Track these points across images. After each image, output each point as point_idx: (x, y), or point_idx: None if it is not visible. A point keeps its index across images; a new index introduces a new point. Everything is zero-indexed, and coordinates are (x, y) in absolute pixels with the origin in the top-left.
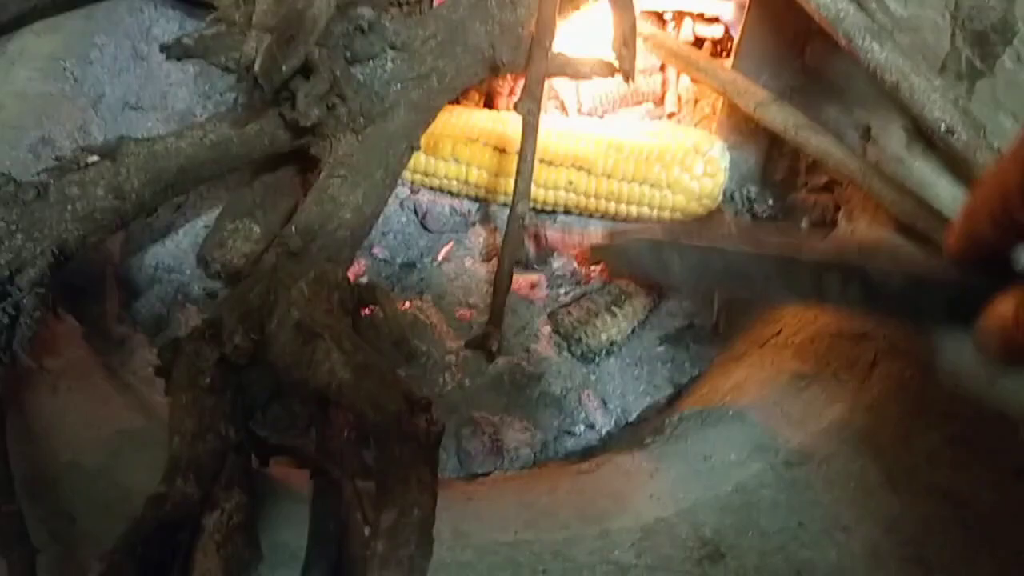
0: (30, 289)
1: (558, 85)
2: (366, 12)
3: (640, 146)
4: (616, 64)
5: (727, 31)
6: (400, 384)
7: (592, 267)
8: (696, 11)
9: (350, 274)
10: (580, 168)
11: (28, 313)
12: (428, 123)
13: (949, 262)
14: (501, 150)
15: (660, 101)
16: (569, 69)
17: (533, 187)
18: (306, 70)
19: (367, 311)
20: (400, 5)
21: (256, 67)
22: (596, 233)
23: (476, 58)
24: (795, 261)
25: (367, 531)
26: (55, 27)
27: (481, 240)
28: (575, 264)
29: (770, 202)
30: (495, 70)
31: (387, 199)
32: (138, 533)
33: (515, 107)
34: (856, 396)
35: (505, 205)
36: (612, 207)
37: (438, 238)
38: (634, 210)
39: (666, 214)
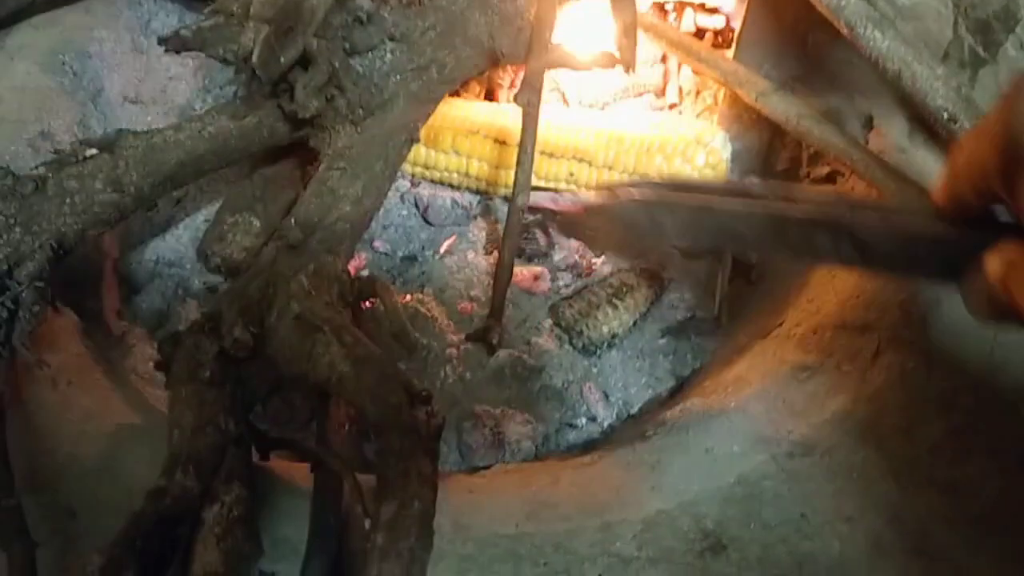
0: (29, 283)
1: (559, 76)
2: (365, 3)
3: (641, 138)
4: (617, 55)
5: (728, 21)
6: (400, 377)
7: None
8: (697, 1)
9: (351, 268)
10: (581, 160)
11: (27, 307)
12: (428, 115)
13: (937, 218)
14: (502, 142)
15: (661, 92)
16: (569, 60)
17: (534, 179)
18: (304, 62)
19: (368, 304)
20: None
21: (254, 59)
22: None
23: (476, 49)
24: (786, 219)
25: (367, 524)
26: (54, 21)
27: (483, 233)
28: (576, 256)
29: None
30: (495, 61)
31: (387, 191)
32: (138, 527)
33: (515, 99)
34: (859, 387)
35: (506, 198)
36: None
37: (439, 231)
38: None
39: None
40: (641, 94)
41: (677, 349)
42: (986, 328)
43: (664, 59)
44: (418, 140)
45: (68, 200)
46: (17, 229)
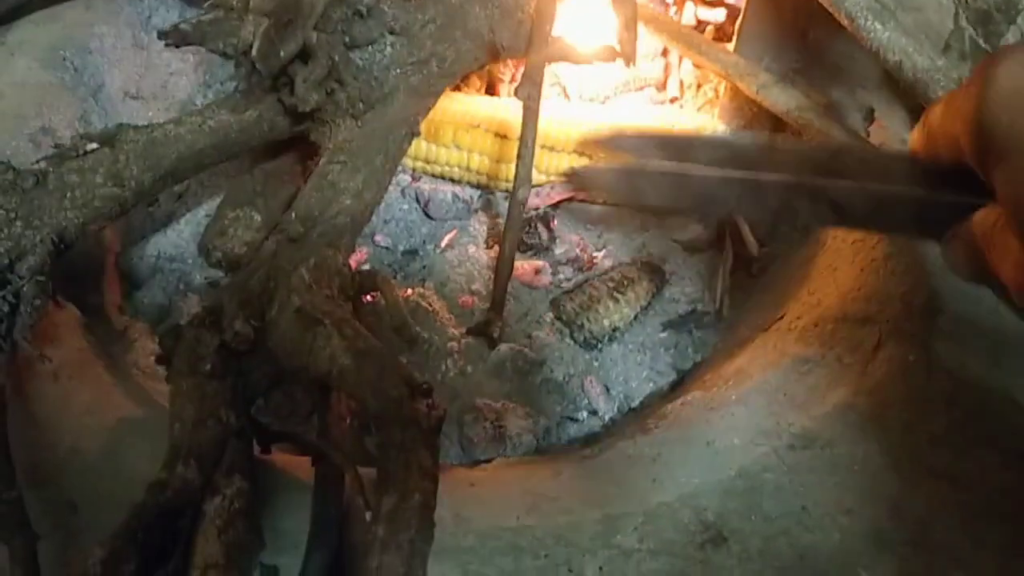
0: (30, 277)
1: (559, 70)
2: None
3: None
4: (617, 49)
5: (729, 14)
6: (401, 370)
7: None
8: None
9: (352, 262)
10: (582, 154)
11: (28, 301)
12: (428, 108)
13: (916, 172)
14: (502, 136)
15: (662, 86)
16: (570, 54)
17: (535, 173)
18: (304, 55)
19: (368, 298)
20: None
21: (254, 52)
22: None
23: (476, 43)
24: (763, 184)
25: (368, 517)
26: (54, 17)
27: (484, 227)
28: (578, 250)
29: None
30: (495, 55)
31: (387, 185)
32: (139, 519)
33: (516, 93)
34: (860, 380)
35: (507, 192)
36: None
37: (440, 225)
38: None
39: None
40: (642, 88)
41: (678, 342)
42: (986, 324)
43: (665, 53)
44: (419, 134)
45: (69, 194)
46: (18, 223)
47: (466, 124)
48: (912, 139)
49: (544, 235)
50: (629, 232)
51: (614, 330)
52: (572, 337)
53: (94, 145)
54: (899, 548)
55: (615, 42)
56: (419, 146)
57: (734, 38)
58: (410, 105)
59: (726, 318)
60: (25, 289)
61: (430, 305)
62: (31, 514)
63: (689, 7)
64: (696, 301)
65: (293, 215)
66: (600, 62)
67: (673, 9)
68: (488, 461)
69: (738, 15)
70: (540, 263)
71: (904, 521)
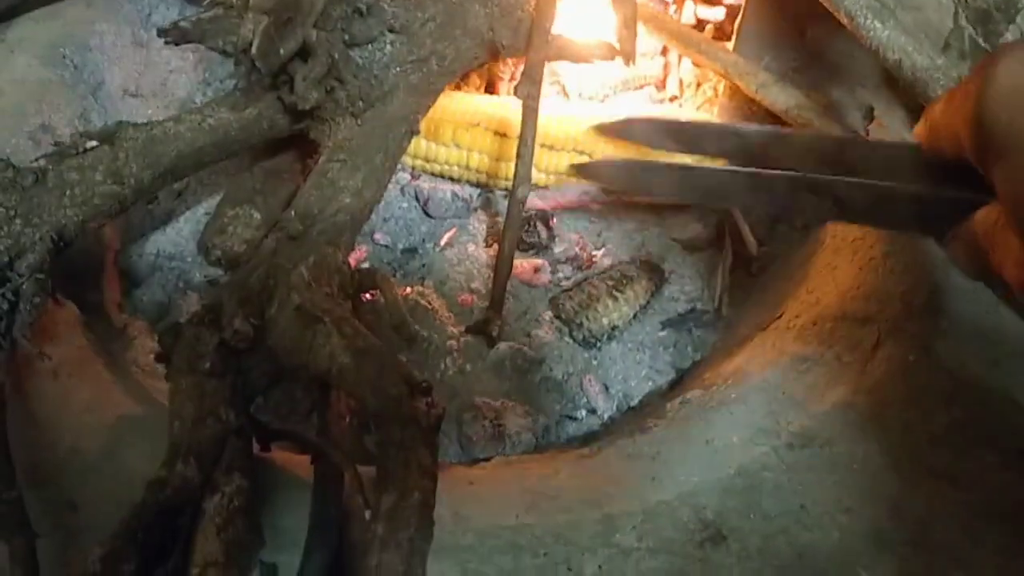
0: (30, 275)
1: (559, 69)
2: None
3: (602, 118)
4: (617, 47)
5: (728, 13)
6: (401, 368)
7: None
8: None
9: (352, 260)
10: (581, 152)
11: (28, 299)
12: (428, 107)
13: (920, 165)
14: (502, 135)
15: (662, 85)
16: (570, 52)
17: (534, 172)
18: (304, 53)
19: (368, 296)
20: None
21: (254, 50)
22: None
23: (476, 41)
24: (767, 179)
25: (368, 515)
26: (54, 14)
27: (483, 226)
28: (577, 249)
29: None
30: (495, 53)
31: (387, 183)
32: (139, 518)
33: (515, 91)
34: (859, 378)
35: (506, 191)
36: None
37: (440, 224)
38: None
39: None
40: (641, 86)
41: (677, 341)
42: (986, 323)
43: (664, 51)
44: (418, 132)
45: (68, 192)
46: (17, 221)
47: (466, 122)
48: (916, 133)
49: (543, 233)
50: (628, 231)
51: (613, 329)
52: (571, 336)
53: (94, 143)
54: (898, 548)
55: (615, 40)
56: (419, 144)
57: (733, 37)
58: (410, 103)
59: (725, 317)
60: (24, 287)
61: (429, 303)
62: (30, 513)
63: (689, 6)
64: (695, 300)
65: (293, 213)
66: (600, 60)
67: (673, 8)
68: (487, 459)
69: (737, 14)
70: (539, 261)
71: (903, 520)
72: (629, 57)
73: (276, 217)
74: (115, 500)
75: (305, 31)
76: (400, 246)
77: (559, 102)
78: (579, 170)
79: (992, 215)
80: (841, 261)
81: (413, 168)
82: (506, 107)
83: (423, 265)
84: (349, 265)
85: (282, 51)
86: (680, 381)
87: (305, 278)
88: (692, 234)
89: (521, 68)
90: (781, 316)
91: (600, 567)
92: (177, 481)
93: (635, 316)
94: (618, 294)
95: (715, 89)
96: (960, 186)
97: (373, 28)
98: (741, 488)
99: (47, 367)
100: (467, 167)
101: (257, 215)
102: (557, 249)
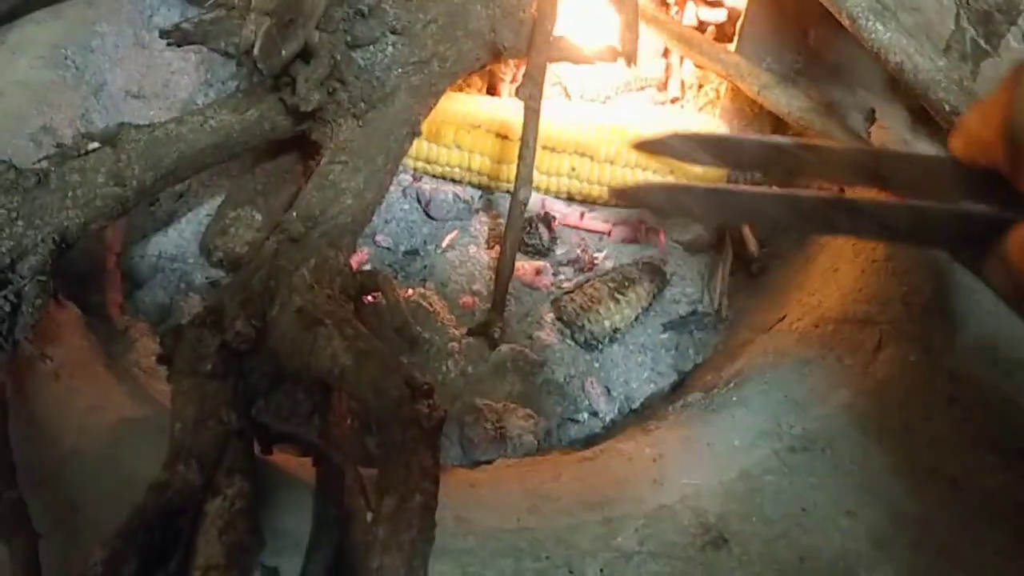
0: (32, 277)
1: (560, 70)
2: None
3: (643, 132)
4: (619, 49)
5: (730, 15)
6: (402, 370)
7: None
8: None
9: (353, 262)
10: (583, 154)
11: (30, 301)
12: (430, 108)
13: (959, 177)
14: (504, 137)
15: (663, 86)
16: (571, 54)
17: (536, 174)
18: (306, 55)
19: (370, 298)
20: None
21: (256, 51)
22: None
23: (477, 42)
24: (809, 201)
25: (369, 517)
26: (56, 15)
27: (485, 227)
28: (578, 251)
29: (774, 187)
30: (497, 55)
31: (389, 185)
32: (140, 519)
33: (517, 93)
34: (860, 381)
35: (508, 192)
36: None
37: (442, 226)
38: None
39: None
40: (643, 88)
41: (679, 343)
42: (987, 325)
43: (666, 53)
44: (420, 134)
45: (70, 194)
46: (20, 223)
47: (467, 124)
48: (952, 145)
49: (545, 236)
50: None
51: (615, 331)
52: (573, 338)
53: (96, 144)
54: (899, 549)
55: (616, 42)
56: (420, 146)
57: (735, 38)
58: (411, 105)
59: (726, 319)
60: (27, 288)
61: (431, 305)
62: (32, 513)
63: (690, 7)
64: (697, 302)
65: (294, 215)
66: (601, 62)
67: (674, 9)
68: (489, 462)
69: (739, 16)
70: (541, 263)
71: (904, 522)
72: (631, 59)
73: (278, 219)
74: (116, 501)
75: (307, 32)
76: (402, 248)
77: (561, 104)
78: (620, 195)
79: None
80: (842, 263)
81: (415, 170)
82: (508, 109)
83: (425, 267)
84: (351, 267)
85: (284, 52)
86: (682, 383)
87: (307, 280)
88: (693, 236)
89: (523, 70)
90: (783, 318)
91: (601, 571)
92: (178, 483)
93: (637, 318)
94: (620, 296)
95: (717, 91)
96: (1001, 198)
97: (375, 29)
98: (743, 491)
99: (49, 368)
100: (469, 169)
101: (259, 216)
102: (559, 251)
